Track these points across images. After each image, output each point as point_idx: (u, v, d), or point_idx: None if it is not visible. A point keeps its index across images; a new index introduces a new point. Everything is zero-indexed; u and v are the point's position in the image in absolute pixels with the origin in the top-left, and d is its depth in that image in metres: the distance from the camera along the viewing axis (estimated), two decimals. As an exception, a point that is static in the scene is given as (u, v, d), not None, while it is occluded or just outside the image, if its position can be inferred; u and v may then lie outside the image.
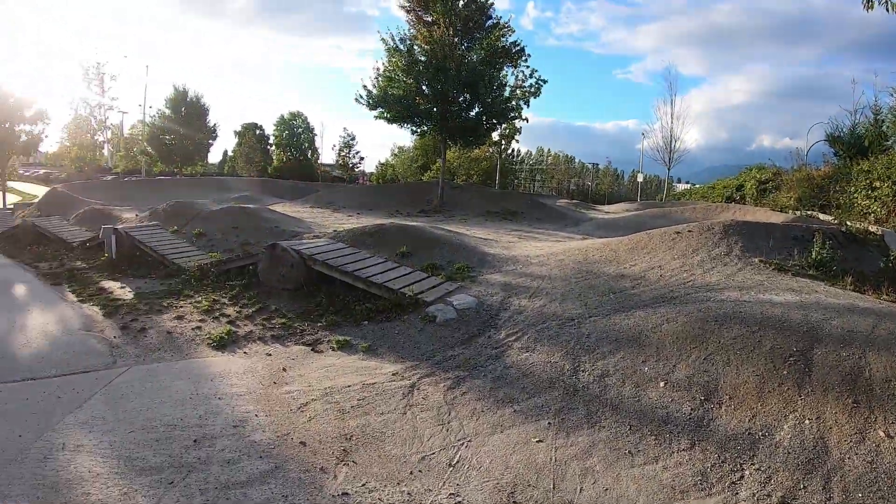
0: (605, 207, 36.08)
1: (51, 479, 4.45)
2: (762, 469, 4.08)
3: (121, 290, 11.11)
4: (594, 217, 26.75)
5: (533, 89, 28.34)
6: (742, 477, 4.06)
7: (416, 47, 27.70)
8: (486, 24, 28.72)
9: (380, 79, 28.08)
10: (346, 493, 4.22)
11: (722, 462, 4.20)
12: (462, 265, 10.21)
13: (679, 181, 63.88)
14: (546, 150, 79.21)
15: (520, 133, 46.91)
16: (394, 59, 27.79)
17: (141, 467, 4.61)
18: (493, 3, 29.01)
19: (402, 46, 27.73)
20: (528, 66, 28.73)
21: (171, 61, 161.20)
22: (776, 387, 4.71)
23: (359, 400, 5.80)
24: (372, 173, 69.25)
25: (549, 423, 4.80)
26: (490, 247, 12.03)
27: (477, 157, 52.03)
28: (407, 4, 29.27)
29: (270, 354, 7.52)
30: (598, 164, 73.70)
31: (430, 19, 28.46)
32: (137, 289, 11.14)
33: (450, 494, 4.21)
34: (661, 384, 4.94)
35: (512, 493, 4.19)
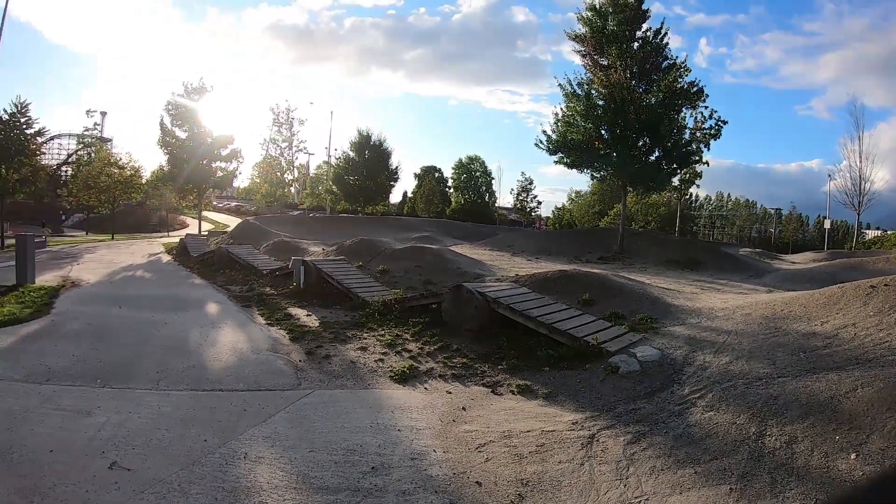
0: (790, 257, 34.04)
1: (230, 483, 4.95)
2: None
3: (307, 318, 12.09)
4: (779, 268, 25.22)
5: (713, 131, 27.51)
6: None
7: (593, 91, 27.83)
8: (663, 65, 28.25)
9: (559, 123, 28.49)
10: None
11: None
12: (645, 316, 10.22)
13: (869, 227, 58.69)
14: (726, 195, 75.95)
15: (700, 177, 45.23)
16: (572, 104, 28.16)
17: (318, 486, 4.98)
18: (667, 44, 28.60)
19: (579, 91, 28.07)
20: (706, 107, 27.92)
21: (353, 107, 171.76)
22: (982, 466, 4.45)
23: (537, 446, 5.93)
24: (548, 217, 69.70)
25: (730, 488, 4.74)
26: (673, 297, 11.90)
27: (655, 203, 51.00)
28: (581, 49, 29.55)
29: (450, 392, 7.85)
30: (780, 209, 69.51)
31: (605, 63, 28.51)
32: (323, 318, 12.03)
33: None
34: (853, 455, 4.77)
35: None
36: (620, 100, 26.58)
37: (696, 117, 28.23)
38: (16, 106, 30.50)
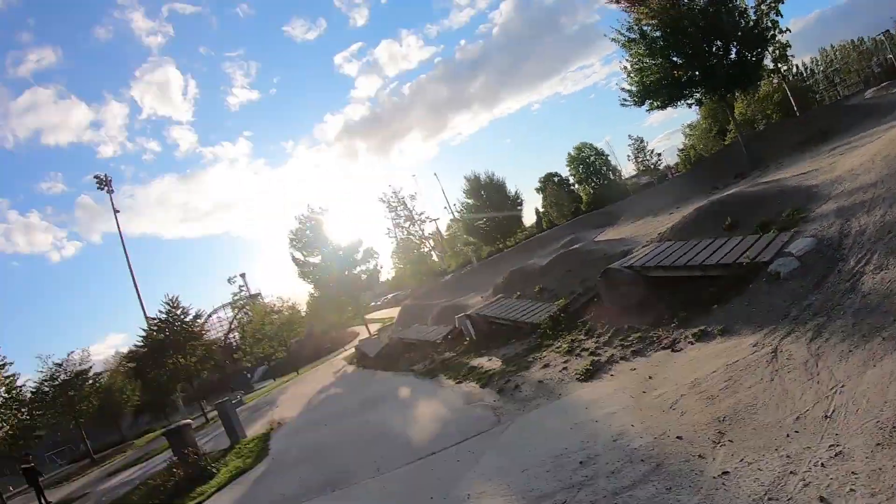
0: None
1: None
2: None
3: (489, 363, 12.39)
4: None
5: (775, -4, 25.42)
6: None
7: (644, 27, 27.02)
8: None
9: (632, 74, 27.84)
10: (726, 472, 4.41)
11: None
12: (790, 210, 9.66)
13: None
14: (829, 48, 68.88)
15: (790, 47, 41.97)
16: (633, 50, 27.44)
17: (537, 495, 5.32)
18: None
19: (632, 35, 27.30)
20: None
21: (451, 159, 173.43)
22: None
23: (725, 382, 5.93)
24: (676, 163, 67.14)
25: (924, 339, 4.48)
26: (812, 178, 11.19)
27: (764, 95, 47.78)
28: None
29: (635, 369, 7.90)
30: (889, 31, 62.28)
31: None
32: (503, 356, 12.31)
33: (829, 447, 4.16)
34: None
35: (895, 426, 3.99)
36: (671, 19, 25.62)
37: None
38: (167, 304, 33.91)
